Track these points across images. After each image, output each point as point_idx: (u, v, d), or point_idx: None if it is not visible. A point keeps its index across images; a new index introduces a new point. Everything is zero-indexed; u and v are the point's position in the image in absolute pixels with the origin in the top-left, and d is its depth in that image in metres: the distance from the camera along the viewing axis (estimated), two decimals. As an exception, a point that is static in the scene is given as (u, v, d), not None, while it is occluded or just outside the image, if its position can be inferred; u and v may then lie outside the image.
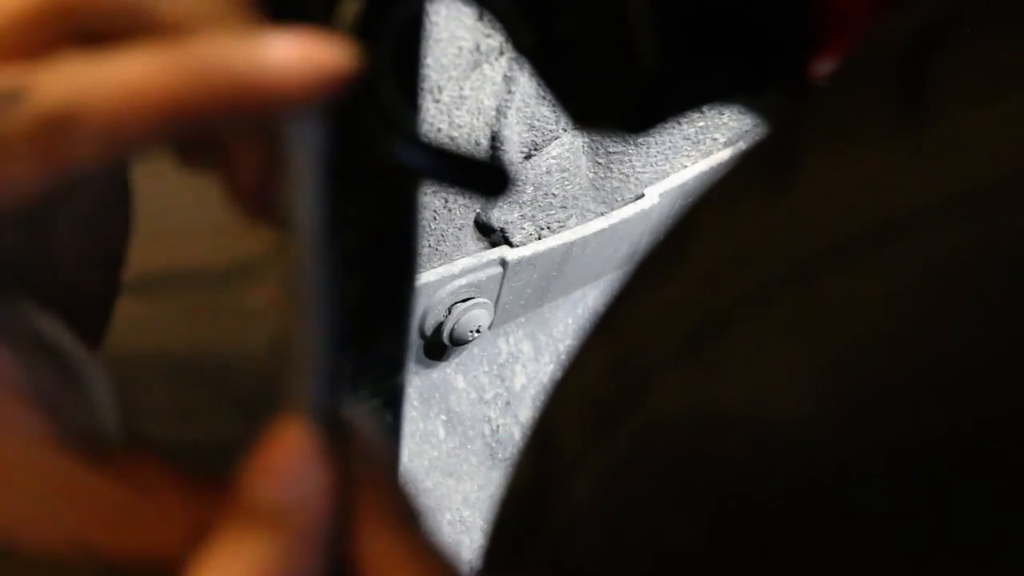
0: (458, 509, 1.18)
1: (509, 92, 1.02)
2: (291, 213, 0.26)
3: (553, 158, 1.10)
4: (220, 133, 0.27)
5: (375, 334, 0.51)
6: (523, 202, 1.12)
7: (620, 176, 1.24)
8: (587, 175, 1.15)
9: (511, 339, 1.24)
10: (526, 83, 1.02)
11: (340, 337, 0.27)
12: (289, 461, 0.26)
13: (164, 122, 0.23)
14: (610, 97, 0.32)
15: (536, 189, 1.11)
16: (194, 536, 0.26)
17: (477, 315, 1.14)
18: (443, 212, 1.03)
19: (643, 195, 1.24)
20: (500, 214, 1.09)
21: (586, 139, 1.13)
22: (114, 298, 0.33)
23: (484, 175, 0.28)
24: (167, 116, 0.23)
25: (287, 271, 0.26)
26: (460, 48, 0.95)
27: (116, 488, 0.27)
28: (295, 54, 0.24)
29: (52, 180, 0.24)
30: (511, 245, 1.16)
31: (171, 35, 0.25)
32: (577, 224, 1.19)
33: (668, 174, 1.25)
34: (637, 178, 1.23)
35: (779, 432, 0.23)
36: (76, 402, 0.28)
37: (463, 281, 1.11)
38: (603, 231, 1.21)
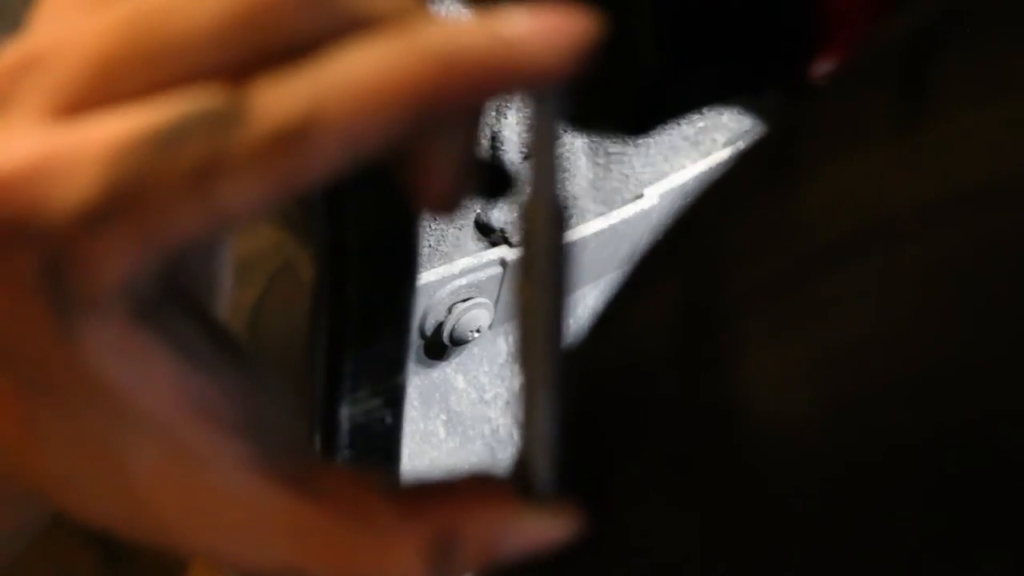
0: (458, 509, 1.18)
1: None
2: (534, 187, 0.25)
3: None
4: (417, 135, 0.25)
5: (375, 334, 0.51)
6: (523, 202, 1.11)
7: (620, 176, 1.24)
8: (586, 175, 1.15)
9: (511, 339, 1.24)
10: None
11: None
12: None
13: (408, 116, 0.22)
14: (609, 99, 0.32)
15: (536, 189, 1.11)
16: (431, 557, 0.26)
17: (477, 315, 1.13)
18: (443, 212, 1.02)
19: (643, 195, 1.24)
20: (500, 214, 1.09)
21: (586, 139, 1.13)
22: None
23: (485, 176, 0.28)
24: (412, 109, 0.22)
25: (528, 241, 0.25)
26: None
27: (331, 518, 0.26)
28: (540, 26, 0.22)
29: (279, 196, 0.23)
30: (511, 245, 1.16)
31: (375, 31, 0.23)
32: (576, 224, 1.19)
33: (668, 174, 1.25)
34: (637, 178, 1.23)
35: (776, 430, 0.23)
36: (269, 412, 0.27)
37: (463, 281, 1.11)
38: (603, 231, 1.21)
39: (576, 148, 1.07)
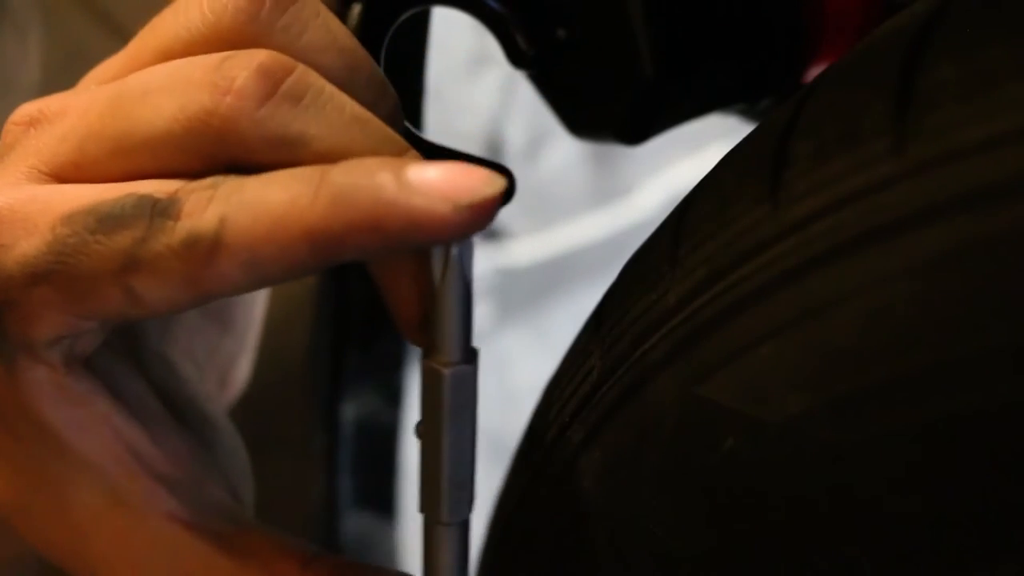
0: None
1: (510, 93, 1.02)
2: (437, 336, 0.25)
3: (553, 159, 1.10)
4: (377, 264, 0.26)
5: (377, 333, 0.51)
6: (523, 202, 1.11)
7: (619, 176, 1.24)
8: (586, 175, 1.15)
9: (511, 339, 1.24)
10: (527, 84, 1.02)
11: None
12: None
13: (305, 248, 0.22)
14: (607, 106, 0.32)
15: (536, 189, 1.11)
16: None
17: (477, 315, 1.13)
18: (443, 212, 1.01)
19: (643, 195, 1.24)
20: (500, 214, 1.09)
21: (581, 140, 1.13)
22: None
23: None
24: (308, 241, 0.22)
25: (428, 393, 0.25)
26: (462, 49, 0.95)
27: None
28: (446, 177, 0.22)
29: (192, 299, 0.24)
30: (511, 245, 1.16)
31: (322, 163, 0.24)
32: (577, 224, 1.19)
33: (667, 174, 1.24)
34: (636, 178, 1.23)
35: (775, 431, 0.23)
36: (209, 474, 0.28)
37: (464, 281, 1.10)
38: (602, 232, 1.21)
39: (576, 149, 1.08)
